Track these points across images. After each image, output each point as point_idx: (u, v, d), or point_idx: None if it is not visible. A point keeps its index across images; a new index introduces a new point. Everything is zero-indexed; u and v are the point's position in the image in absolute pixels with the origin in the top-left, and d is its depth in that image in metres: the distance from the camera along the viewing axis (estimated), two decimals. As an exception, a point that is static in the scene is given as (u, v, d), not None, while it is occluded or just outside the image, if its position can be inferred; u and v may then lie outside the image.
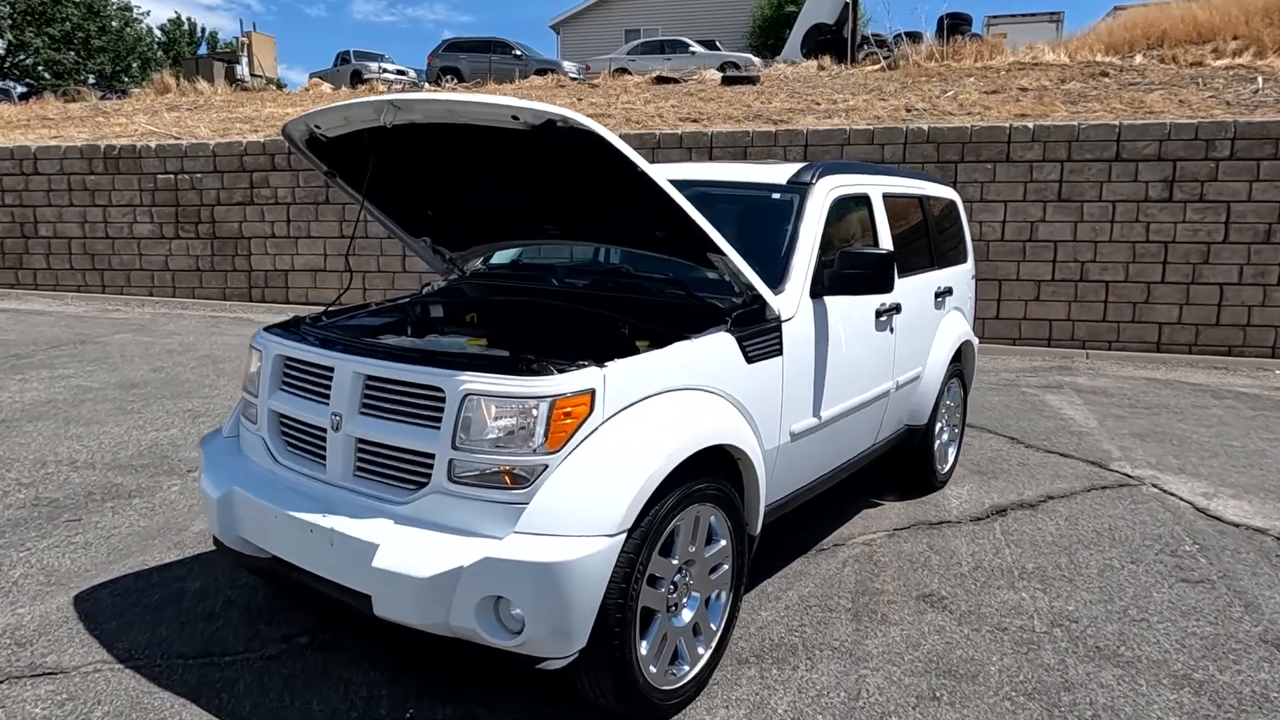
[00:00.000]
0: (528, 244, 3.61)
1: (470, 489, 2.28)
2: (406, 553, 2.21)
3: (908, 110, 12.37)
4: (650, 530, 2.32)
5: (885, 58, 17.27)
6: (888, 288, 3.16)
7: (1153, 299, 9.83)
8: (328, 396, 2.56)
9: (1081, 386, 8.10)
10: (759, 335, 2.90)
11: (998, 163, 10.13)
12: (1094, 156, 9.90)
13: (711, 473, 2.58)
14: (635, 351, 2.58)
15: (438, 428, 2.32)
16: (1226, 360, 9.50)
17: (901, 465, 4.61)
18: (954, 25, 19.29)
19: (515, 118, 2.37)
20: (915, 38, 18.80)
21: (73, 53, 36.00)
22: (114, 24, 38.37)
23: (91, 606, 3.16)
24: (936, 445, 4.68)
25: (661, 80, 16.26)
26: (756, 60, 20.55)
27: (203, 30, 48.33)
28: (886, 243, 3.88)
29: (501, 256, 3.94)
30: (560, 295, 3.22)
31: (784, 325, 3.03)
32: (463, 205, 3.32)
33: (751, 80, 15.58)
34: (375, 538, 2.28)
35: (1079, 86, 13.44)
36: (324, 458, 2.57)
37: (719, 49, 23.53)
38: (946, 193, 5.02)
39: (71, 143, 12.57)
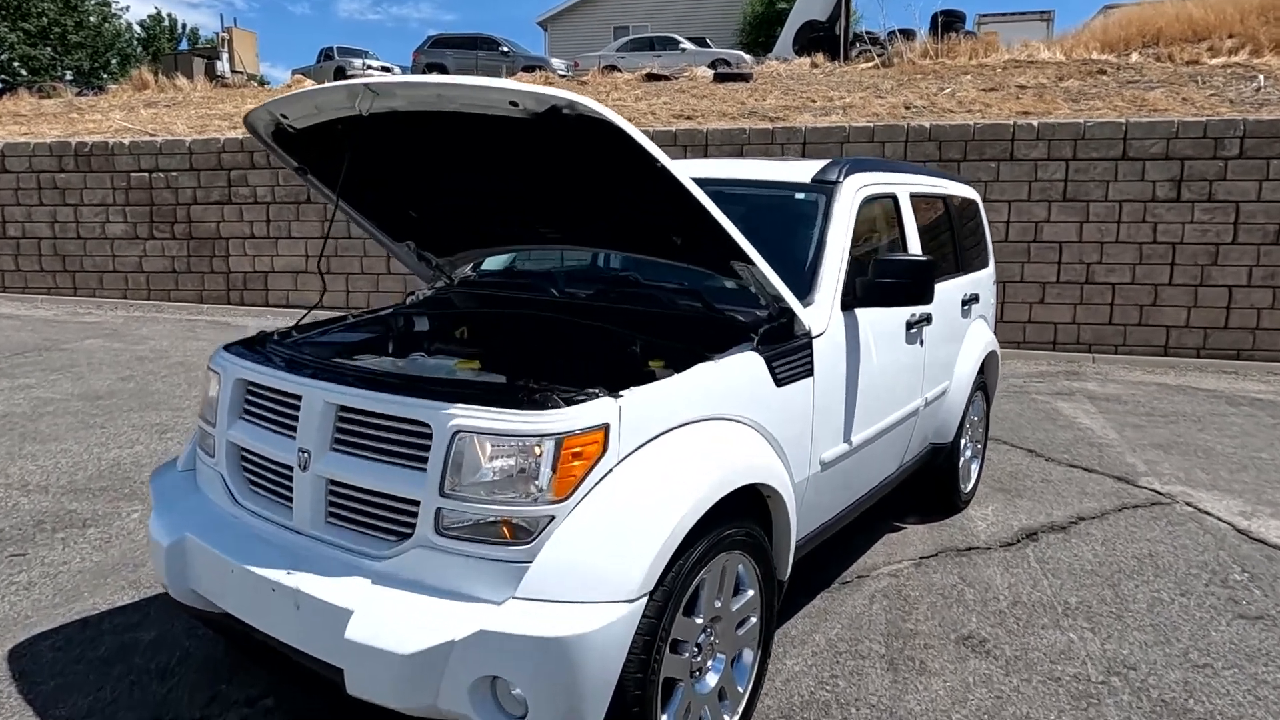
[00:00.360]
0: (524, 249, 3.25)
1: (462, 543, 1.93)
2: (386, 622, 1.86)
3: (907, 108, 12.08)
4: (674, 590, 1.97)
5: (879, 55, 17.00)
6: (926, 298, 2.83)
7: (1160, 301, 9.57)
8: (295, 429, 2.20)
9: (1093, 393, 7.82)
10: (789, 354, 2.56)
11: (1001, 161, 9.84)
12: (1100, 155, 9.63)
13: (739, 514, 2.23)
14: (651, 376, 2.24)
15: (423, 470, 1.97)
16: (1236, 364, 9.26)
17: (924, 486, 4.28)
18: (948, 22, 19.03)
19: (513, 104, 2.02)
20: (909, 35, 18.55)
21: (49, 48, 35.23)
22: (92, 19, 37.61)
23: (29, 663, 2.79)
24: (960, 463, 4.35)
25: (652, 77, 15.91)
26: (748, 57, 20.24)
27: (184, 27, 47.56)
28: (916, 247, 3.55)
29: (494, 263, 3.58)
30: (561, 308, 2.86)
31: (814, 342, 2.69)
32: (451, 205, 2.95)
33: (744, 77, 15.27)
34: (349, 602, 1.92)
35: (1078, 84, 13.20)
36: (291, 501, 2.21)
37: (709, 46, 23.21)
38: (968, 192, 4.70)
39: (41, 140, 12.09)
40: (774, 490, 2.36)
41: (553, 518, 1.90)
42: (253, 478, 2.37)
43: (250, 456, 2.37)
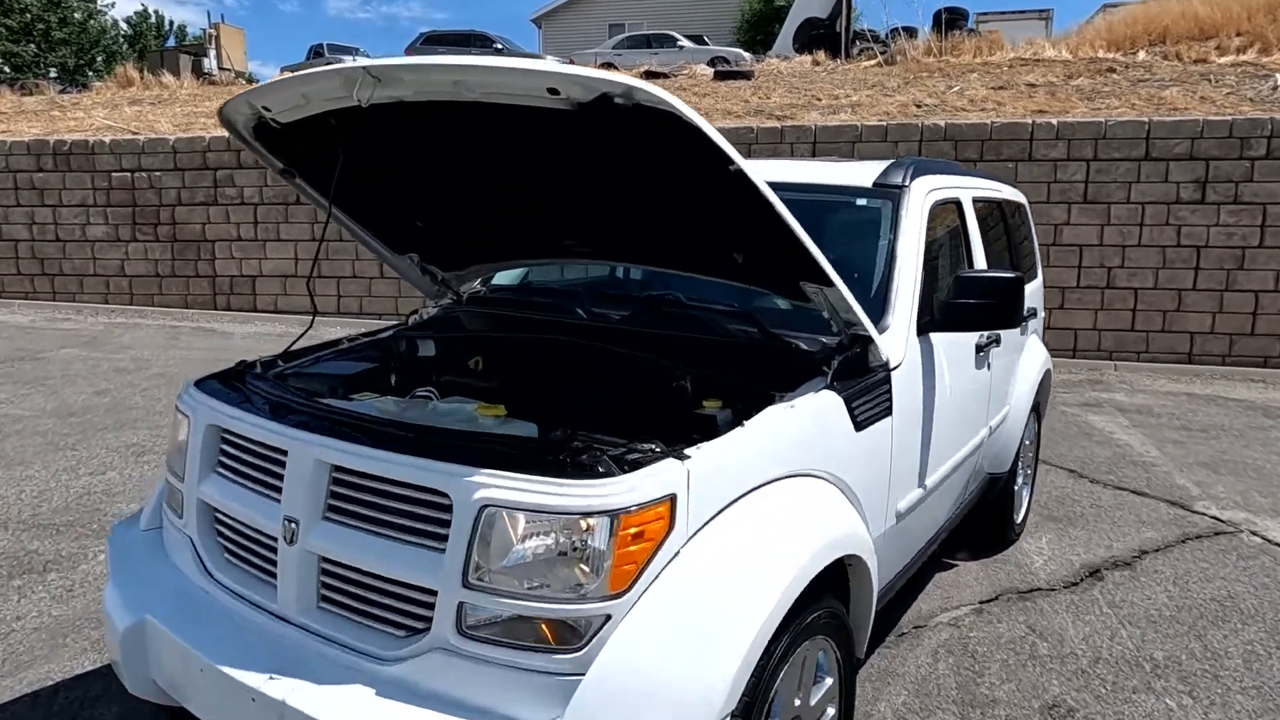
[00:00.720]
0: (546, 264, 2.84)
1: (492, 648, 1.52)
2: (395, 752, 1.45)
3: (918, 106, 11.72)
4: (756, 700, 1.57)
5: (882, 53, 16.67)
6: (1015, 320, 2.44)
7: (1184, 307, 9.23)
8: (279, 490, 1.79)
9: (1123, 404, 7.48)
10: (868, 391, 2.17)
11: (1019, 161, 9.48)
12: (1121, 155, 9.29)
13: (820, 591, 1.84)
14: (710, 421, 1.84)
15: (441, 551, 1.56)
16: (1263, 372, 8.93)
17: (977, 519, 3.89)
18: (951, 20, 18.70)
19: (553, 91, 1.61)
20: (911, 33, 18.25)
21: (32, 45, 34.54)
22: (76, 15, 36.91)
23: (-34, 753, 2.37)
24: (1013, 492, 3.97)
25: (651, 75, 15.49)
26: (747, 55, 19.84)
27: (170, 24, 46.87)
28: (981, 259, 3.16)
29: (505, 277, 3.17)
30: (591, 333, 2.46)
31: (892, 375, 2.29)
32: (463, 213, 2.54)
33: (746, 75, 14.89)
34: (348, 720, 1.51)
35: (1089, 83, 12.87)
36: (275, 577, 1.80)
37: (707, 44, 22.81)
38: (1018, 195, 4.32)
39: (18, 138, 11.59)
40: (859, 558, 1.96)
41: (609, 617, 1.50)
42: (229, 545, 1.96)
43: (226, 520, 1.96)
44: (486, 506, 1.51)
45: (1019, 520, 4.19)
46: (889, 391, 2.26)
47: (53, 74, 33.70)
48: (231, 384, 2.16)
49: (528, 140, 1.92)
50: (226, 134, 9.48)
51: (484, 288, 3.11)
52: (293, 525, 1.74)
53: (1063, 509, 4.70)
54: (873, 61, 16.16)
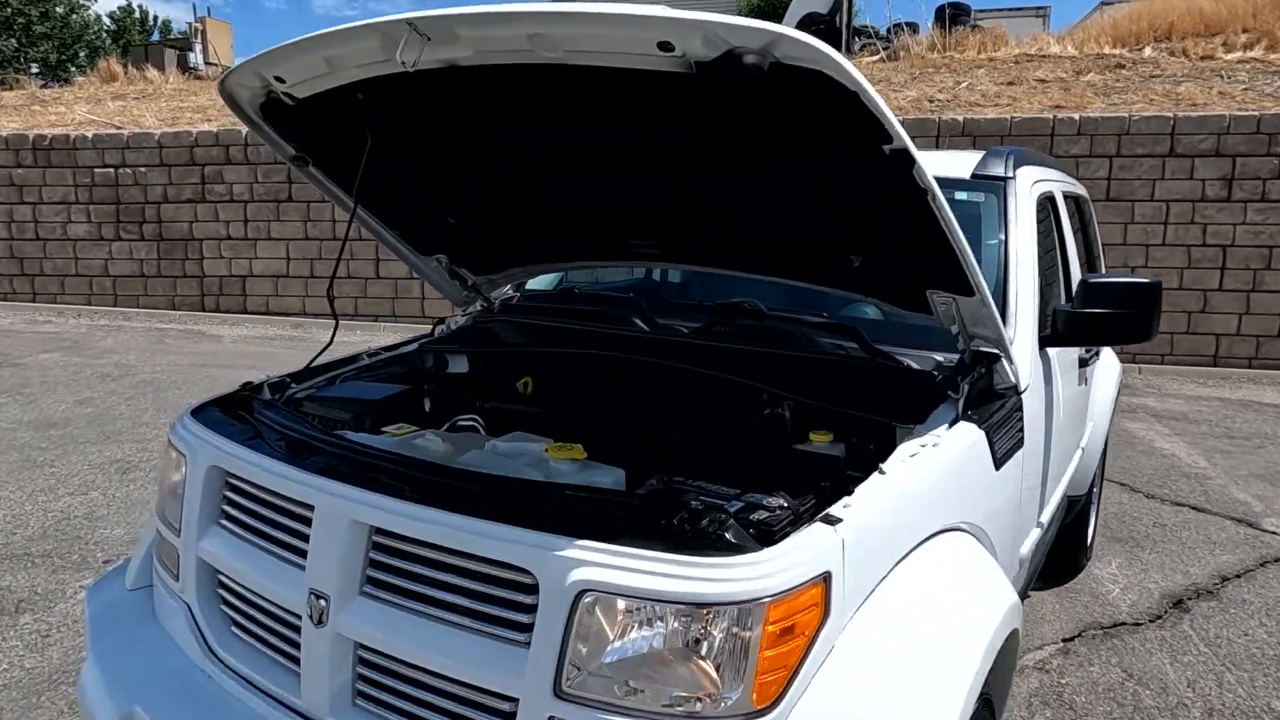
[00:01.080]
0: (599, 267, 2.47)
1: (593, 778, 1.16)
2: None
3: (930, 101, 11.41)
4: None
5: (884, 48, 16.38)
6: (1153, 333, 2.09)
7: (1210, 308, 8.95)
8: (303, 555, 1.42)
9: (1156, 410, 7.19)
10: (1005, 421, 1.81)
11: (1041, 158, 9.16)
12: (1145, 151, 9.00)
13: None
14: (834, 466, 1.48)
15: (523, 646, 1.19)
16: (1292, 376, 8.67)
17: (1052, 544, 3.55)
18: (955, 15, 18.40)
19: (666, 46, 1.24)
20: (913, 28, 17.98)
21: (13, 40, 33.81)
22: (58, 10, 36.17)
23: None
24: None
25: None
26: (747, 51, 19.46)
27: (155, 19, 46.06)
28: (1075, 261, 2.81)
29: (538, 282, 2.80)
30: (657, 348, 2.09)
31: (1023, 399, 1.94)
32: (507, 205, 2.16)
33: (750, 70, 14.54)
34: None
35: (1099, 78, 12.61)
36: (298, 663, 1.43)
37: (704, 40, 22.43)
38: (1083, 189, 3.98)
39: (-4, 132, 11.11)
40: (1015, 630, 1.60)
41: (752, 739, 1.13)
42: (237, 616, 1.58)
43: (233, 586, 1.58)
44: (586, 591, 1.15)
45: (1088, 543, 3.86)
46: (1022, 420, 1.91)
47: (34, 69, 32.99)
48: (236, 413, 1.78)
49: (609, 113, 1.55)
50: (215, 129, 8.92)
51: (517, 293, 2.74)
52: (322, 601, 1.37)
53: (1125, 528, 4.37)
54: (875, 57, 15.85)
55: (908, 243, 1.56)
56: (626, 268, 2.56)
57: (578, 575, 1.15)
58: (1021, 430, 1.91)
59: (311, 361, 2.09)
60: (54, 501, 4.22)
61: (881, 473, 1.43)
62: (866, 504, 1.29)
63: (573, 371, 2.13)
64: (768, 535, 1.22)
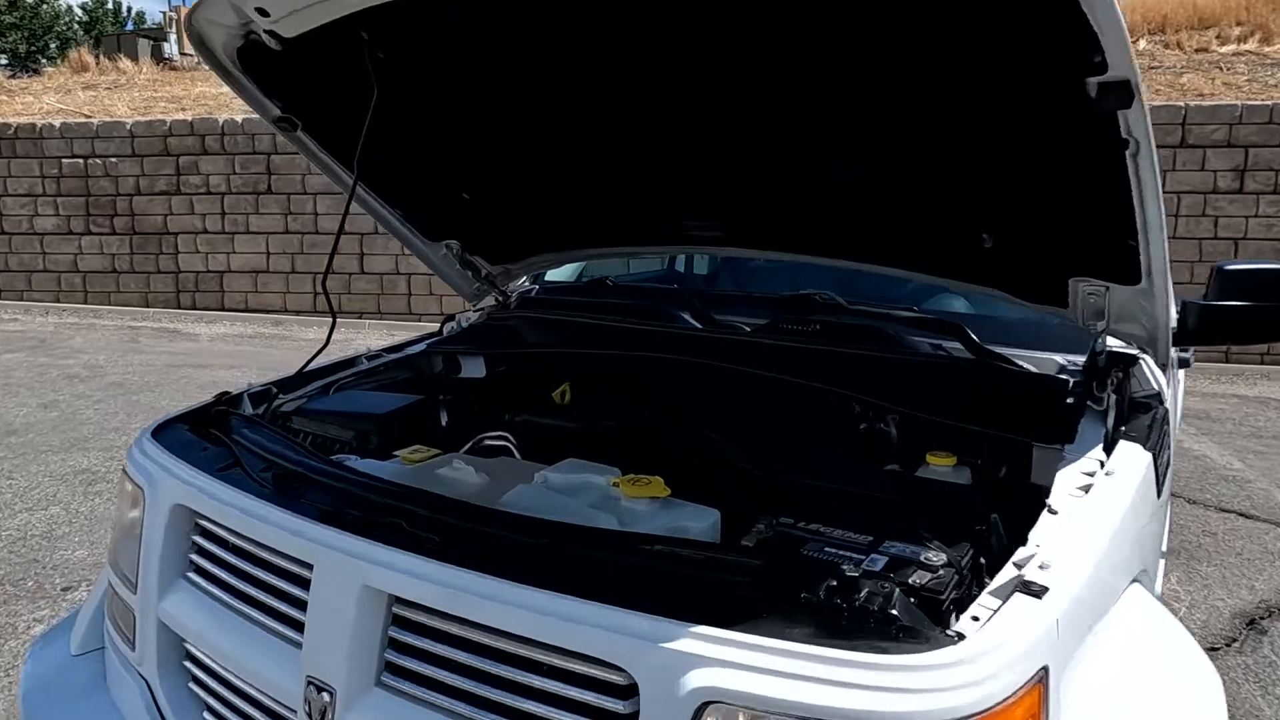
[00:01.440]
0: (644, 254, 2.10)
1: None
2: None
3: (931, 91, 11.18)
4: None
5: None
6: (1290, 331, 1.76)
7: (1222, 302, 8.73)
8: (299, 628, 1.06)
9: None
10: (1162, 438, 1.48)
11: (1050, 148, 8.92)
12: (1157, 142, 8.75)
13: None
14: (970, 497, 1.15)
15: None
16: (1306, 372, 8.49)
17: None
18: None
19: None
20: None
21: (-19, 30, 32.94)
22: (28, 0, 35.30)
23: None
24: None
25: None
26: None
27: (129, 10, 45.12)
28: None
29: (560, 273, 2.45)
30: (718, 349, 1.73)
31: (1164, 410, 1.61)
32: (536, 177, 1.79)
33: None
34: None
35: (1100, 69, 12.46)
36: (290, 769, 1.07)
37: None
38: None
39: (-43, 121, 10.59)
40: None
41: None
42: (212, 701, 1.22)
43: (203, 660, 1.22)
44: (711, 704, 0.80)
45: (1147, 558, 3.56)
46: (1168, 435, 1.58)
47: (2, 61, 32.18)
48: (209, 432, 1.41)
49: (676, 36, 1.19)
50: (190, 118, 8.44)
51: (536, 285, 2.38)
52: (324, 695, 1.01)
53: (1174, 537, 4.08)
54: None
55: (1070, 215, 1.22)
56: (680, 253, 2.20)
57: (699, 680, 0.80)
58: (1169, 448, 1.58)
59: (304, 366, 1.72)
60: (9, 518, 3.81)
61: (1052, 512, 1.09)
62: (1068, 562, 0.95)
63: (615, 378, 1.77)
64: (935, 609, 0.88)
